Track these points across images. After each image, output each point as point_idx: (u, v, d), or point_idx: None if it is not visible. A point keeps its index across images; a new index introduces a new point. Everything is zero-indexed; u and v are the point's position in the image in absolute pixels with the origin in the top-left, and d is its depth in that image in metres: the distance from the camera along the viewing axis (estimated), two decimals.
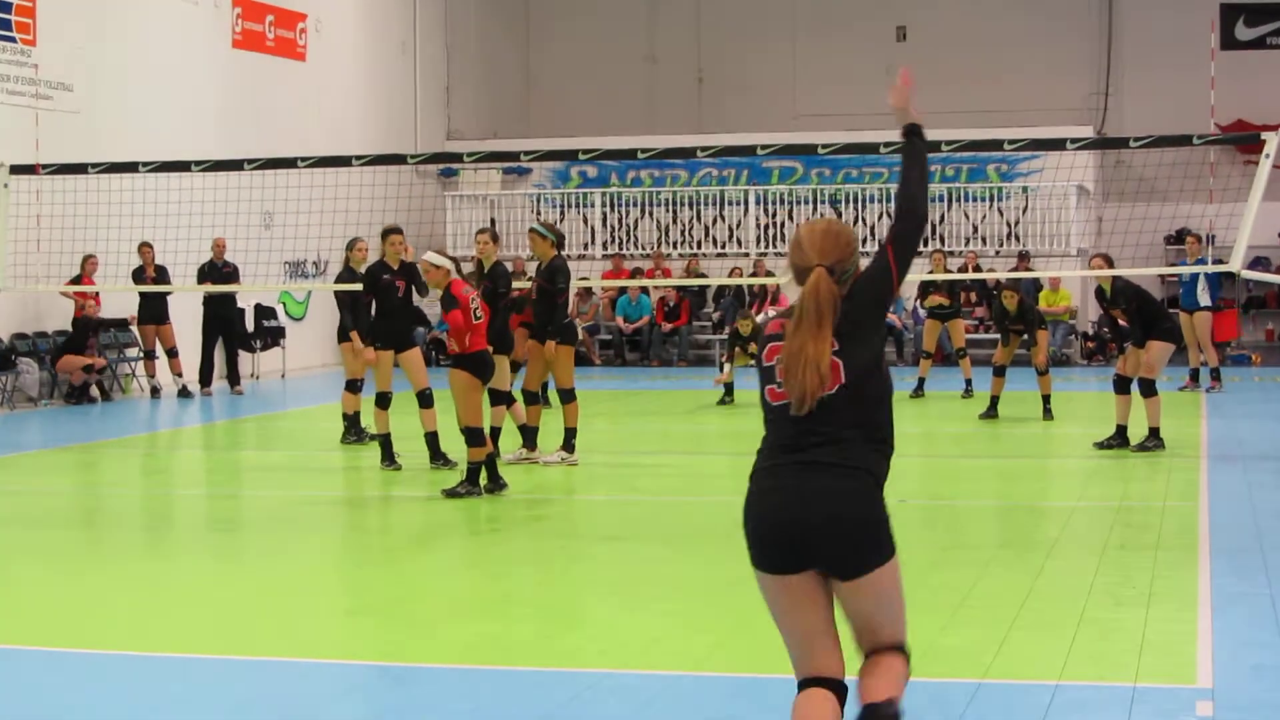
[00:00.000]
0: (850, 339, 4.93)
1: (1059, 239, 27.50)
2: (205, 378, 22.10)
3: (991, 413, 17.90)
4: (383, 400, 13.88)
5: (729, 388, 19.84)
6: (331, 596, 9.07)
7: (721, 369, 20.33)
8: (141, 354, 21.66)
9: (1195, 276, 20.47)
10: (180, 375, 21.57)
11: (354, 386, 15.30)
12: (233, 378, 22.38)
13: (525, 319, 14.21)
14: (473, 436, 11.88)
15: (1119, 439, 14.84)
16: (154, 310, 21.35)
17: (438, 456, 13.63)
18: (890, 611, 4.99)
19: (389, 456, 13.75)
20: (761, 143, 19.49)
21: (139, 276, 20.95)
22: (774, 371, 5.02)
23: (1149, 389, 14.67)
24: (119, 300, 21.33)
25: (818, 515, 4.94)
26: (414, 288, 14.02)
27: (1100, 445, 14.89)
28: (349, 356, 15.18)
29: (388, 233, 14.15)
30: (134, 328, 21.54)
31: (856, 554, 4.91)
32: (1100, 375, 24.65)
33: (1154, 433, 14.72)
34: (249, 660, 7.52)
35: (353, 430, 15.54)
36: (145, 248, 20.94)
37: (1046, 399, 18.04)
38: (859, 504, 4.93)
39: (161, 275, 21.21)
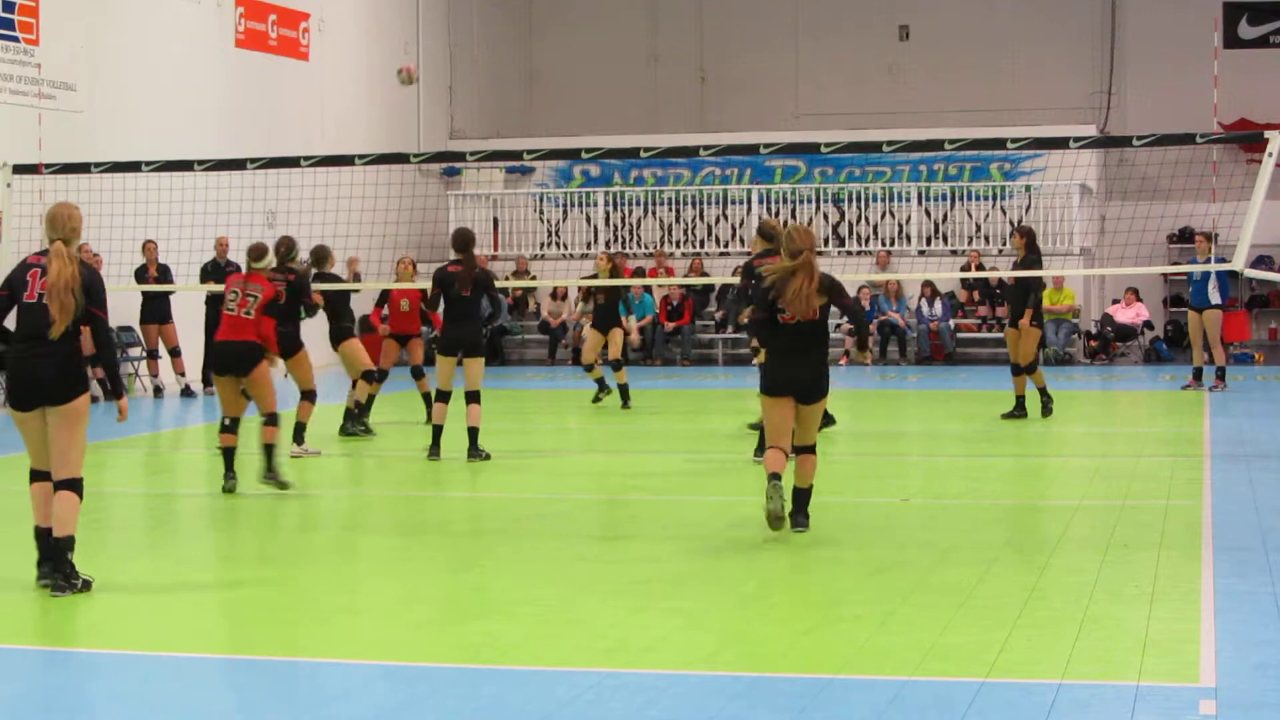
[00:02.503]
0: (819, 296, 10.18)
1: (1062, 238, 27.47)
2: (207, 377, 22.07)
3: (1018, 412, 17.61)
4: (443, 396, 14.36)
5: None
6: (331, 596, 9.05)
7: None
8: (144, 354, 21.65)
9: (1206, 275, 20.43)
10: (183, 375, 21.56)
11: (370, 376, 16.08)
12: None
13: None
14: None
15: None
16: (157, 310, 21.34)
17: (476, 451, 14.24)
18: (816, 423, 10.44)
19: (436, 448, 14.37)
20: (764, 142, 19.46)
21: (141, 275, 20.94)
22: (780, 306, 10.19)
23: (1017, 369, 17.36)
24: (121, 300, 21.31)
25: (808, 377, 10.28)
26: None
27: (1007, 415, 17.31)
28: (352, 356, 15.87)
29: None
30: (137, 328, 21.54)
31: (817, 392, 10.31)
32: (1104, 374, 24.65)
33: (1039, 399, 17.39)
34: (249, 660, 7.51)
35: (358, 421, 15.88)
36: (150, 245, 20.93)
37: (1042, 392, 17.74)
38: (824, 372, 10.36)
39: (164, 274, 21.20)
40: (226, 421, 12.61)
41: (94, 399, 20.25)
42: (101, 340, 9.11)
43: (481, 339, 14.48)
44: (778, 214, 28.48)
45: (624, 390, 19.16)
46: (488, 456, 14.21)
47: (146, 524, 12.00)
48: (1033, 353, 17.64)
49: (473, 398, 14.12)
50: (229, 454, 12.60)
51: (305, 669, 7.34)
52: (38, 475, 9.06)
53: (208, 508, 12.35)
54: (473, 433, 14.26)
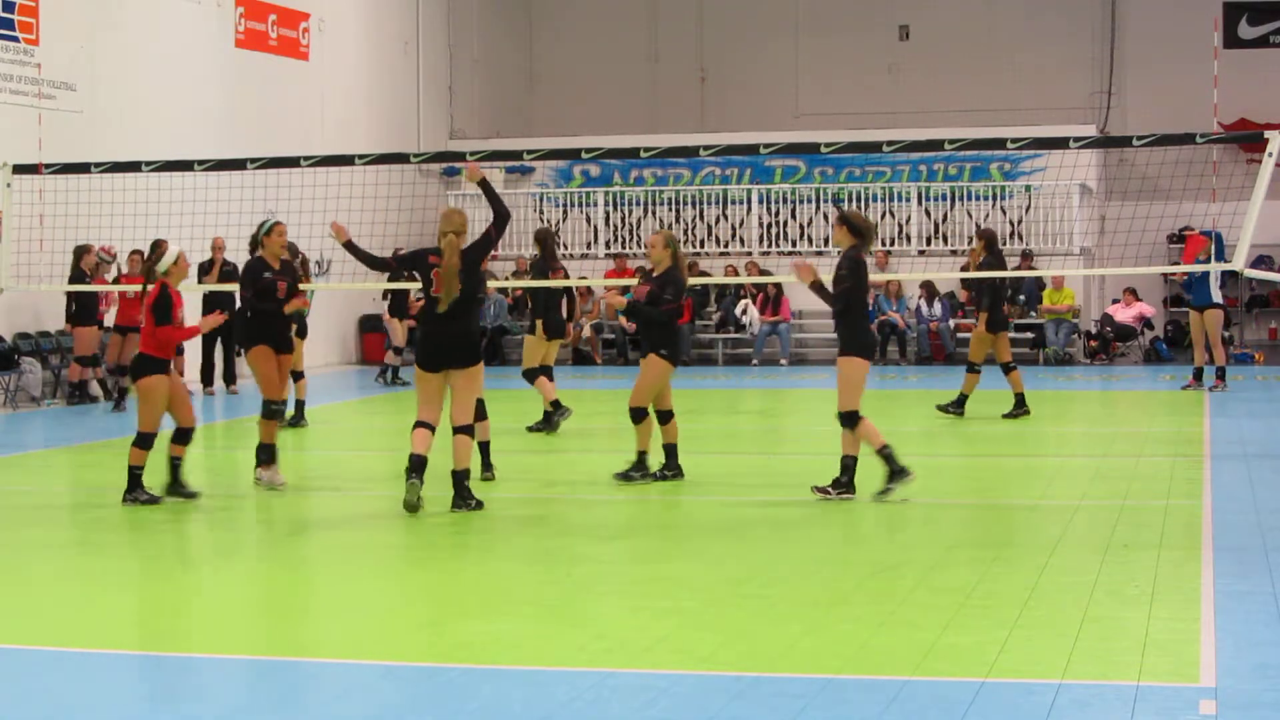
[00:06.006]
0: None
1: (1062, 238, 27.48)
2: (207, 377, 22.09)
3: (1020, 410, 17.61)
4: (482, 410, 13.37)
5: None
6: (331, 596, 9.05)
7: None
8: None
9: (1207, 273, 20.42)
10: (181, 374, 21.53)
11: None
12: (229, 376, 22.36)
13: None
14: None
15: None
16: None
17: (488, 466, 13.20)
18: None
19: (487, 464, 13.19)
20: (764, 141, 19.46)
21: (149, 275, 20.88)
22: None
23: (1007, 368, 17.56)
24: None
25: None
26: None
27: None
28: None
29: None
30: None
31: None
32: (1104, 374, 24.65)
33: (1020, 399, 17.45)
34: (249, 660, 7.52)
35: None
36: (161, 245, 20.82)
37: (964, 398, 17.76)
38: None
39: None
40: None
41: (94, 399, 20.35)
42: None
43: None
44: (777, 214, 28.51)
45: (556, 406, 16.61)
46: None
47: (147, 524, 11.99)
48: (1006, 352, 17.76)
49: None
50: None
51: (305, 669, 7.34)
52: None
53: (208, 507, 12.34)
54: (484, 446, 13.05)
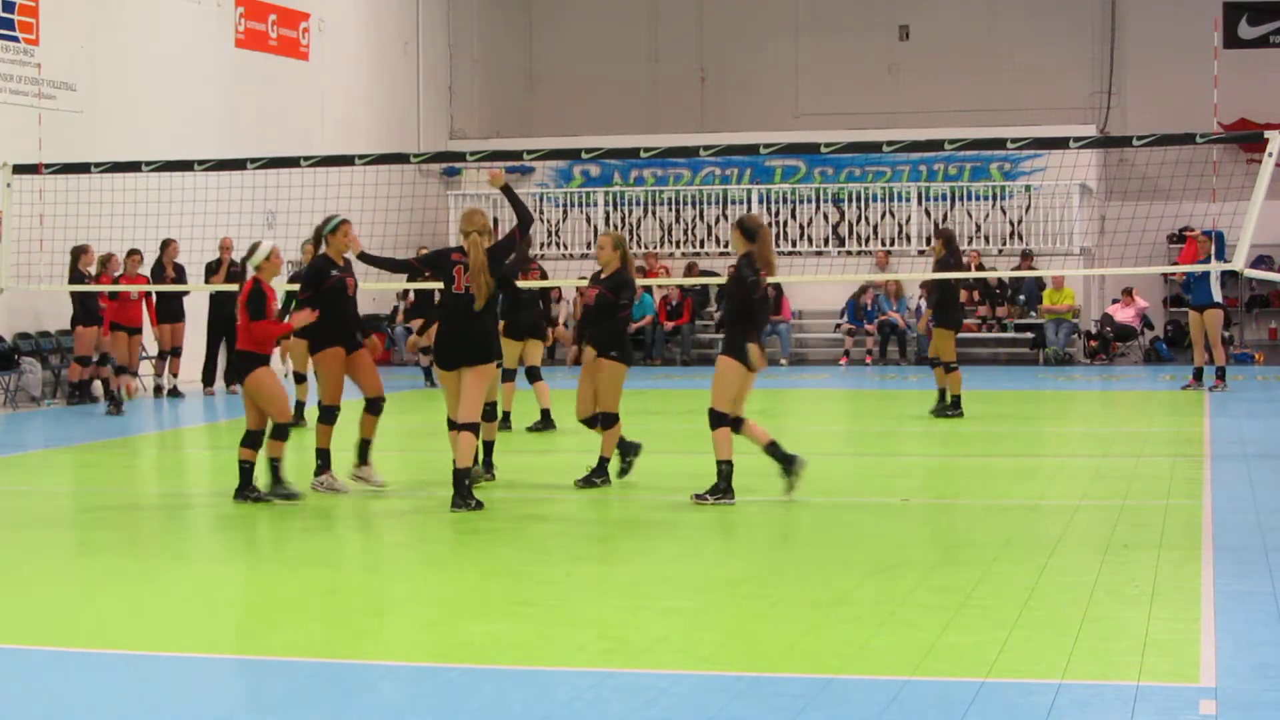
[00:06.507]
0: None
1: (1062, 238, 27.49)
2: (208, 377, 22.08)
3: (948, 409, 17.67)
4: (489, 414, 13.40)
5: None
6: (331, 596, 9.05)
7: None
8: (156, 354, 21.59)
9: (1207, 273, 20.42)
10: (175, 375, 21.53)
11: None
12: (230, 376, 22.33)
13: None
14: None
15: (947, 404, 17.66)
16: (171, 309, 21.31)
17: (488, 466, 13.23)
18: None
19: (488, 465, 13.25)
20: (764, 141, 19.48)
21: (158, 273, 20.88)
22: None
23: (937, 363, 17.78)
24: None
25: None
26: None
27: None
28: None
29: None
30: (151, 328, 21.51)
31: None
32: (1103, 374, 24.65)
33: (955, 400, 17.60)
34: (249, 660, 7.51)
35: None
36: (172, 245, 20.82)
37: (943, 394, 17.77)
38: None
39: (180, 274, 21.18)
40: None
41: (94, 399, 20.34)
42: None
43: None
44: (777, 214, 28.51)
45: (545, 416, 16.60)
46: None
47: (148, 524, 12.00)
48: (951, 352, 17.78)
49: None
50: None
51: (305, 669, 7.34)
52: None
53: (208, 508, 12.35)
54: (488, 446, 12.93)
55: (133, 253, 20.33)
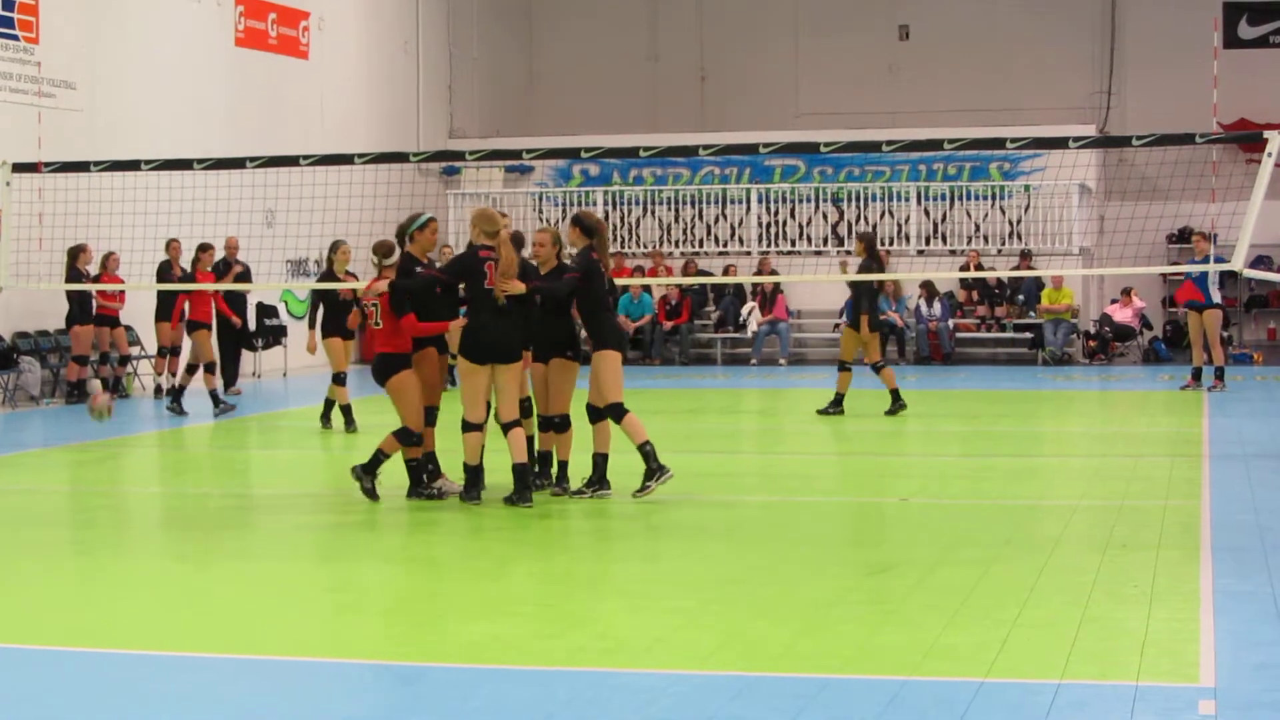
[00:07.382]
0: None
1: (1061, 237, 27.49)
2: (230, 377, 22.01)
3: (898, 405, 17.75)
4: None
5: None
6: (332, 596, 9.06)
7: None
8: (155, 353, 21.53)
9: (1205, 274, 20.41)
10: (174, 375, 21.48)
11: (340, 379, 16.60)
12: (229, 377, 22.29)
13: None
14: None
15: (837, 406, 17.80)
16: (171, 308, 21.24)
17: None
18: None
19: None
20: (764, 141, 19.46)
21: (165, 272, 20.84)
22: None
23: (876, 368, 17.83)
24: (134, 298, 21.26)
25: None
26: None
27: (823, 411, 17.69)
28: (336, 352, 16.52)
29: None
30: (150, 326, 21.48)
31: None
32: (1102, 374, 24.65)
33: (838, 398, 17.77)
34: (249, 660, 7.52)
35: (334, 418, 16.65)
36: (174, 244, 20.73)
37: (896, 394, 17.85)
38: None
39: (186, 274, 21.12)
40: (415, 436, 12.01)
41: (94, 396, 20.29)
42: None
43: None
44: (776, 213, 28.53)
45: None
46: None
47: (148, 523, 12.01)
48: (877, 353, 17.95)
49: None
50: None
51: (305, 669, 7.34)
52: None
53: (208, 508, 12.35)
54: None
55: (109, 255, 20.36)
